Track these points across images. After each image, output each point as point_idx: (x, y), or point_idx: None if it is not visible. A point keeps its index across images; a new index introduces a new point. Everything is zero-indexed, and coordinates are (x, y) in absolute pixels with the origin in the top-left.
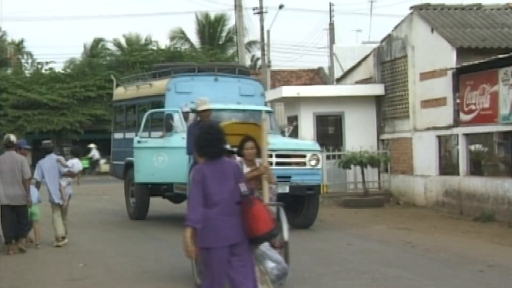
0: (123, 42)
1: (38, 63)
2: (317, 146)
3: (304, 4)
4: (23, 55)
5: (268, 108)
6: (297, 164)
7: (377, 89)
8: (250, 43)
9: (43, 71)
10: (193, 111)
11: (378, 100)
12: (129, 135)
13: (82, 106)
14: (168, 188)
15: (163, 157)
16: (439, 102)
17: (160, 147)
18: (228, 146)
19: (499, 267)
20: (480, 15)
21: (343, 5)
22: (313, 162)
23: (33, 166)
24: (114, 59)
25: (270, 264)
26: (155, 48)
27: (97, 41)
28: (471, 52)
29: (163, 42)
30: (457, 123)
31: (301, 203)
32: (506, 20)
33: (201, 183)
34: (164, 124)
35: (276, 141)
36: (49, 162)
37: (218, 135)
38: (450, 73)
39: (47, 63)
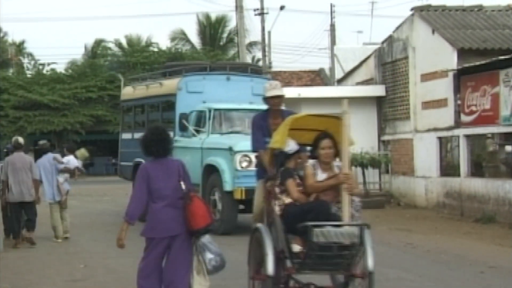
0: (124, 43)
1: (40, 64)
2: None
3: (305, 5)
4: (24, 56)
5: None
6: None
7: (378, 90)
8: (251, 44)
9: (44, 72)
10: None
11: (379, 101)
12: (138, 135)
13: (83, 107)
14: None
15: (188, 156)
16: (440, 103)
17: (185, 147)
18: (292, 145)
19: (500, 268)
20: (481, 16)
21: (344, 6)
22: None
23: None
24: (115, 60)
25: (209, 256)
26: (156, 49)
27: (98, 42)
28: (472, 53)
29: (164, 43)
30: (458, 124)
31: None
32: (507, 22)
33: (145, 180)
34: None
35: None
36: (46, 161)
37: (163, 135)
38: (451, 74)
39: (48, 64)
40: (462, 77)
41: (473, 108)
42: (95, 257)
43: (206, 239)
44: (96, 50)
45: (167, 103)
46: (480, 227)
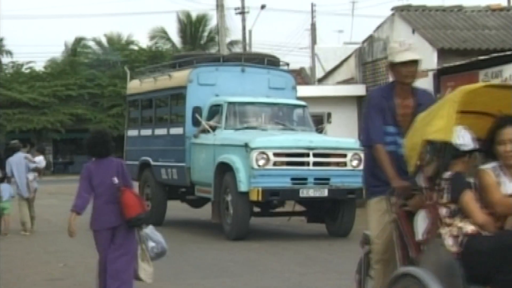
0: (104, 41)
1: (19, 65)
2: (358, 145)
3: (286, 5)
4: (2, 54)
5: (302, 103)
6: (337, 164)
7: (359, 89)
8: (232, 43)
9: (23, 70)
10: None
11: (359, 100)
12: (144, 132)
13: (63, 105)
14: (188, 190)
15: (203, 154)
16: None
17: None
18: (467, 138)
19: None
20: (461, 16)
21: (325, 6)
22: (354, 162)
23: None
24: (95, 58)
25: (151, 244)
26: (136, 47)
27: (78, 40)
28: (452, 53)
29: (144, 41)
30: None
31: (337, 209)
32: (487, 22)
33: (87, 178)
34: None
35: (313, 138)
36: (17, 159)
37: (106, 138)
38: (431, 74)
39: (27, 63)
40: (442, 77)
41: None
42: (74, 256)
43: (148, 229)
44: (76, 48)
45: (177, 96)
46: None
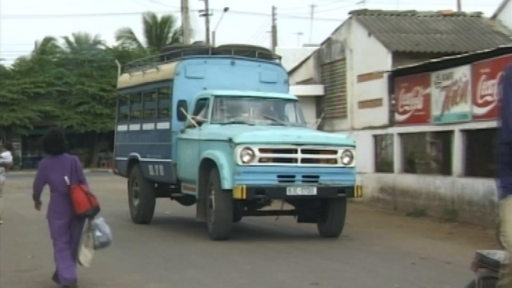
0: (72, 40)
1: None
2: (350, 141)
3: (248, 7)
4: None
5: (293, 97)
6: (327, 161)
7: (317, 89)
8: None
9: None
10: None
11: (317, 100)
12: (134, 127)
13: (31, 102)
14: (176, 188)
15: (189, 150)
16: (375, 103)
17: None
18: None
19: (430, 260)
20: (414, 21)
21: (285, 9)
22: (346, 160)
23: None
24: (63, 57)
25: (98, 234)
26: (103, 47)
27: (48, 40)
28: (405, 56)
29: (111, 41)
30: (392, 123)
31: (328, 208)
32: (439, 26)
33: (43, 173)
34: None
35: (302, 134)
36: None
37: (60, 137)
38: (385, 75)
39: None
40: (396, 78)
41: (406, 108)
42: (43, 248)
43: (99, 220)
44: (45, 47)
45: (164, 90)
46: (412, 221)
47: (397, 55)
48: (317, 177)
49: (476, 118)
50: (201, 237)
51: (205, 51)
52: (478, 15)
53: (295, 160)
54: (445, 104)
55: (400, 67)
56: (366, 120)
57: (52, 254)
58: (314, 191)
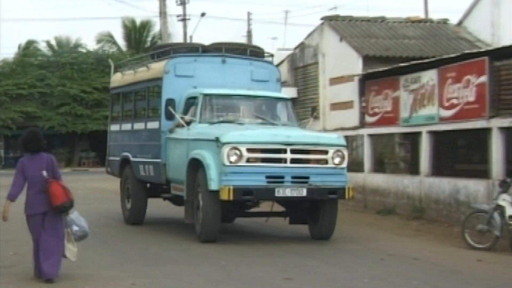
0: (54, 44)
1: None
2: (342, 141)
3: (225, 13)
4: None
5: (285, 96)
6: (317, 161)
7: (291, 92)
8: None
9: None
10: None
11: (291, 102)
12: (125, 126)
13: (14, 104)
14: (168, 188)
15: (178, 150)
16: (346, 105)
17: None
18: None
19: (398, 256)
20: (384, 27)
21: (260, 15)
22: (337, 160)
23: None
24: (45, 60)
25: (75, 228)
26: (84, 50)
27: (30, 43)
28: (375, 60)
29: (92, 45)
30: (362, 124)
31: (319, 210)
32: (407, 32)
33: (22, 171)
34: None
35: (292, 133)
36: None
37: (38, 136)
38: (356, 79)
39: None
40: (367, 82)
41: (376, 110)
42: (24, 244)
43: (74, 215)
44: (27, 50)
45: (154, 88)
46: (382, 218)
47: (368, 59)
48: (307, 178)
49: (443, 120)
50: (181, 235)
51: (196, 49)
52: (445, 21)
53: (284, 161)
54: (413, 107)
55: (370, 71)
56: (338, 121)
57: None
58: (303, 192)
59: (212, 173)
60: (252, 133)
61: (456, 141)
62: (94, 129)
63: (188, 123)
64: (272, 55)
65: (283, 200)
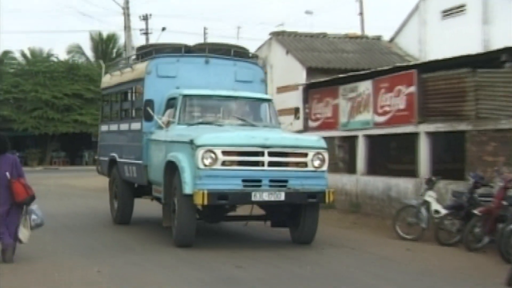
0: (28, 54)
1: None
2: (322, 143)
3: (183, 27)
4: None
5: (268, 96)
6: (296, 164)
7: None
8: None
9: None
10: None
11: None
12: (113, 127)
13: None
14: (151, 189)
15: (157, 151)
16: (292, 111)
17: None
18: None
19: (338, 246)
20: (325, 42)
21: (215, 29)
22: (316, 163)
23: None
24: (20, 68)
25: (34, 217)
26: (55, 59)
27: (6, 53)
28: (318, 71)
29: (63, 55)
30: (306, 129)
31: (299, 213)
32: (346, 47)
33: None
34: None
35: (270, 135)
36: None
37: (3, 139)
38: (301, 88)
39: None
40: (310, 91)
41: (318, 116)
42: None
43: (34, 207)
44: (3, 59)
45: (138, 89)
46: (323, 213)
47: (311, 71)
48: (286, 181)
49: (377, 125)
50: (152, 230)
51: (179, 49)
52: (378, 38)
53: (262, 164)
54: (350, 113)
55: (313, 81)
56: (284, 126)
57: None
58: (282, 196)
59: (187, 177)
60: (228, 135)
61: (389, 144)
62: (64, 132)
63: (168, 124)
64: (256, 56)
65: (260, 204)
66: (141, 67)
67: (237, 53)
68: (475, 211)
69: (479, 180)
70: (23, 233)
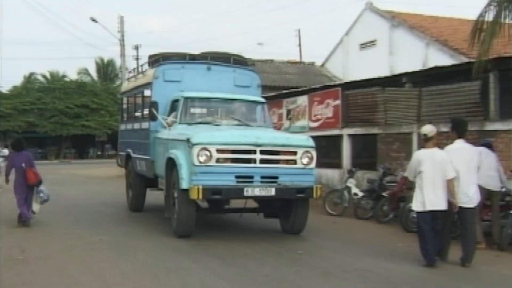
0: (47, 75)
1: None
2: (310, 142)
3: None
4: None
5: (261, 99)
6: (287, 162)
7: None
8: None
9: None
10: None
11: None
12: (128, 126)
13: (20, 115)
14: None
15: (161, 148)
16: None
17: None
18: None
19: (276, 222)
20: (272, 66)
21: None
22: (305, 160)
23: None
24: (42, 86)
25: (41, 194)
26: (68, 79)
27: (31, 74)
28: (266, 88)
29: (74, 76)
30: None
31: (290, 206)
32: (288, 70)
33: (11, 162)
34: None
35: (261, 135)
36: None
37: (21, 141)
38: None
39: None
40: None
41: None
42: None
43: (42, 187)
44: (29, 79)
45: (148, 92)
46: None
47: (262, 88)
48: (276, 178)
49: (311, 129)
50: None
51: (184, 57)
52: (313, 64)
53: (254, 161)
54: (292, 120)
55: (263, 95)
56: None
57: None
58: (272, 191)
59: (184, 173)
60: (222, 134)
61: (321, 143)
62: (75, 133)
63: (171, 124)
64: (253, 64)
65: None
66: (150, 73)
67: (236, 61)
68: (384, 194)
69: (387, 171)
70: (35, 207)
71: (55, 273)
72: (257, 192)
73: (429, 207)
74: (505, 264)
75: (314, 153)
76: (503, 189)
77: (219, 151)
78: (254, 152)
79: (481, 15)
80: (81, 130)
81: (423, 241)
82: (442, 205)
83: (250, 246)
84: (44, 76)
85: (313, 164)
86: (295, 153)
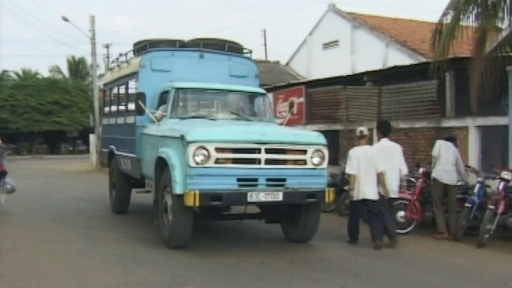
0: (20, 72)
1: None
2: (322, 139)
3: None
4: None
5: (261, 90)
6: (295, 162)
7: None
8: (101, 76)
9: None
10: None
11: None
12: (112, 120)
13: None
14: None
15: (149, 146)
16: None
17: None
18: None
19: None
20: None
21: None
22: (316, 160)
23: None
24: (14, 83)
25: (7, 186)
26: (40, 76)
27: (4, 71)
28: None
29: (46, 73)
30: None
31: (298, 213)
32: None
33: None
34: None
35: (266, 131)
36: None
37: None
38: None
39: None
40: None
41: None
42: None
43: (8, 179)
44: (2, 76)
45: (133, 83)
46: None
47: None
48: (284, 180)
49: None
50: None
51: (173, 44)
52: (277, 62)
53: (258, 161)
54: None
55: None
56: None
57: None
58: (279, 196)
59: (177, 175)
60: (222, 130)
61: None
62: (46, 129)
63: (160, 118)
64: (250, 51)
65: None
66: (136, 61)
67: (231, 48)
68: (345, 188)
69: None
70: (2, 197)
71: (26, 265)
72: (262, 197)
73: (361, 197)
74: (458, 253)
75: (326, 152)
76: (459, 183)
77: (218, 150)
78: (258, 151)
79: (441, 18)
80: (53, 126)
81: (350, 222)
82: (373, 195)
83: (216, 236)
84: (16, 74)
85: (325, 164)
86: (304, 151)
